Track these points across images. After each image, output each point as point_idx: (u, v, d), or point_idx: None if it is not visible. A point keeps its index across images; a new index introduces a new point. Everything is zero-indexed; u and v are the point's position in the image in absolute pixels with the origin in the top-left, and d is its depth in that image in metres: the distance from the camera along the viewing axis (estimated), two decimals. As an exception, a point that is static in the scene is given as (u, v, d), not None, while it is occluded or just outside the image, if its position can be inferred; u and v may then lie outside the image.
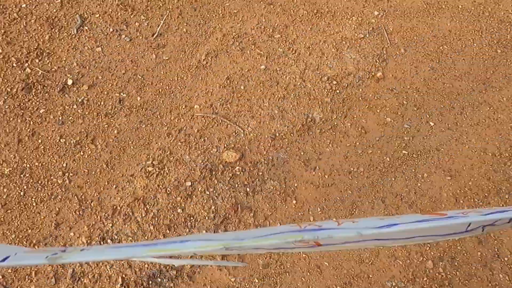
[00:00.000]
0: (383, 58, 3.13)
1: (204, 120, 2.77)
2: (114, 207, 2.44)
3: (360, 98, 2.95)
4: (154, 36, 3.05)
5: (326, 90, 2.95)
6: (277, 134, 2.76)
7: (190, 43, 3.07)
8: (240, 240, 0.81)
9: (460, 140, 2.85)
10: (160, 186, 2.51)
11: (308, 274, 2.36)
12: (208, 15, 3.20)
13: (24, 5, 3.03)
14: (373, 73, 3.06)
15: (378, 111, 2.92)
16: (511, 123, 2.94)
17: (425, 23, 3.35)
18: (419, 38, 3.27)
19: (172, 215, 2.44)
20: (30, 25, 2.97)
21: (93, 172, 2.54)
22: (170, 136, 2.70)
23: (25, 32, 2.93)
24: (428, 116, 2.94)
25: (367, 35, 3.22)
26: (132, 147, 2.64)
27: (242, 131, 2.75)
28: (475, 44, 3.28)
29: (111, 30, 3.03)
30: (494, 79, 3.13)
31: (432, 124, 2.91)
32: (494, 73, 3.16)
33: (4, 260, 0.80)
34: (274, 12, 3.26)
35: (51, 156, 2.55)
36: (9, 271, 2.22)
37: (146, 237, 2.36)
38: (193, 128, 2.74)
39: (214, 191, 2.52)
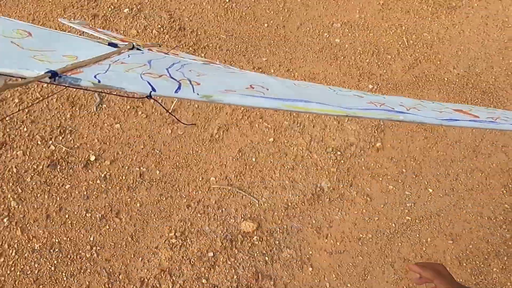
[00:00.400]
0: (381, 129, 3.39)
1: (220, 192, 2.94)
2: (142, 279, 2.56)
3: (363, 167, 3.18)
4: (169, 113, 3.25)
5: (331, 161, 3.17)
6: (290, 204, 2.95)
7: (202, 118, 3.28)
8: (355, 111, 1.01)
9: (458, 205, 3.08)
10: (184, 258, 2.65)
11: None
12: (217, 91, 3.43)
13: (45, 85, 3.21)
14: (373, 144, 3.31)
15: (381, 179, 3.14)
16: (502, 188, 3.19)
17: (415, 95, 3.65)
18: (411, 109, 3.55)
19: (197, 286, 2.56)
20: (52, 104, 3.14)
21: (119, 245, 2.66)
22: (190, 208, 2.85)
23: (48, 111, 3.11)
24: (426, 182, 3.17)
25: (365, 108, 3.49)
26: (154, 220, 2.78)
27: (256, 201, 2.92)
28: (462, 114, 3.57)
29: (128, 107, 3.22)
30: (483, 146, 3.41)
31: (430, 190, 3.14)
32: (482, 141, 3.44)
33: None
34: (278, 87, 3.51)
35: (79, 230, 2.67)
36: None
37: (174, 308, 2.48)
38: (210, 199, 2.90)
39: (235, 261, 2.67)
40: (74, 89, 3.24)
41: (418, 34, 4.09)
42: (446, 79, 3.77)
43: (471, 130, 3.49)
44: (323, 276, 2.69)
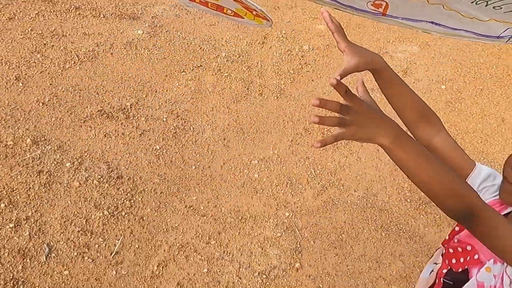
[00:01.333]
0: (298, 251, 3.97)
1: (163, 324, 3.33)
2: None
3: (286, 286, 3.70)
4: (112, 255, 3.68)
5: (258, 284, 3.67)
6: (225, 327, 3.37)
7: (143, 257, 3.72)
8: None
9: (368, 312, 3.63)
10: None
11: None
12: (155, 231, 3.92)
13: (-3, 241, 3.58)
14: (292, 264, 3.86)
15: (302, 296, 3.66)
16: (402, 292, 3.80)
17: (325, 218, 4.31)
18: (323, 230, 4.19)
19: None
20: (4, 257, 3.49)
21: None
22: None
23: (0, 265, 3.44)
24: (340, 294, 3.72)
25: (283, 233, 4.09)
26: None
27: (196, 328, 3.33)
28: (365, 231, 4.25)
29: (75, 254, 3.62)
30: (384, 257, 4.05)
31: (344, 301, 3.68)
32: (383, 252, 4.09)
33: None
34: (208, 222, 4.07)
35: None
36: None
37: None
38: (155, 332, 3.28)
39: None
40: (25, 242, 3.62)
41: (323, 164, 4.86)
42: (349, 201, 4.48)
43: (373, 244, 4.15)
44: None
